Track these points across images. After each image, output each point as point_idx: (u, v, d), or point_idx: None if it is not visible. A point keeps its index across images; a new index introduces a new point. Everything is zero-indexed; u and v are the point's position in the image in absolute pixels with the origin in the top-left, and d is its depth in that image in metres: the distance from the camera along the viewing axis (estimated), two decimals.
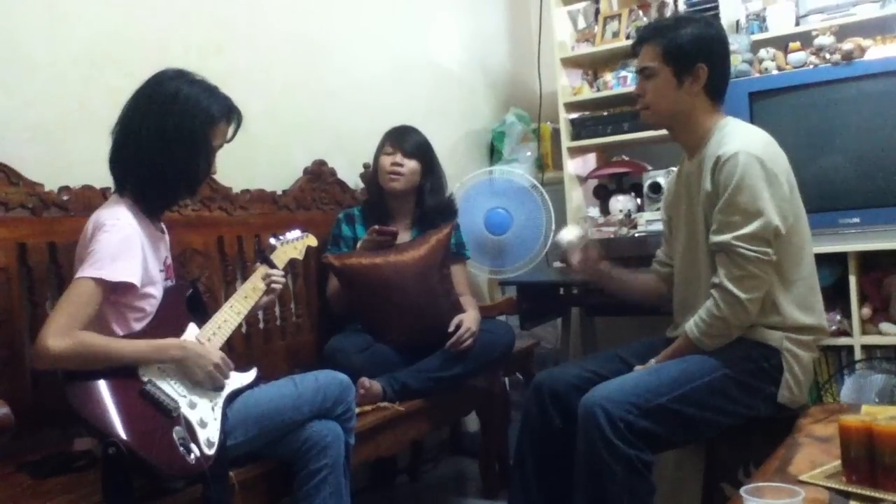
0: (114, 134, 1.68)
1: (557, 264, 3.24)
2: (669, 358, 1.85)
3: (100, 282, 1.52)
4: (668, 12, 3.10)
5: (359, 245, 2.44)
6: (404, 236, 2.49)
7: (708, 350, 1.81)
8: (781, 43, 2.77)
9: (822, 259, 2.29)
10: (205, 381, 1.61)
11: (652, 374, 1.79)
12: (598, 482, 1.66)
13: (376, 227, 2.40)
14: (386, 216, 2.52)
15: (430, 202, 2.53)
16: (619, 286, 2.17)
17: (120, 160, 1.68)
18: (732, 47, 2.73)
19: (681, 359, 1.82)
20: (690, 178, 1.94)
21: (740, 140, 1.80)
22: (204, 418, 1.54)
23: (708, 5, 2.96)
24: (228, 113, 1.73)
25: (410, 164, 2.48)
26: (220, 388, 1.64)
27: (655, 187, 2.93)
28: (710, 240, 1.81)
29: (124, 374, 1.51)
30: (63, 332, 1.46)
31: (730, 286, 1.75)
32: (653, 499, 1.68)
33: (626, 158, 3.26)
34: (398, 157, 2.47)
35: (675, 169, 2.13)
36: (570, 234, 2.10)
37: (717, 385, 1.76)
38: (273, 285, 1.88)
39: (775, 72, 2.70)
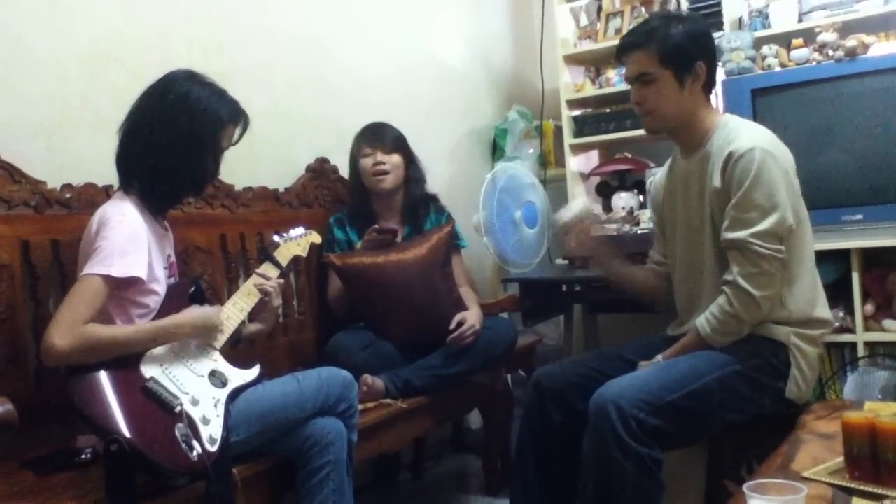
0: (121, 132, 1.69)
1: (559, 261, 3.25)
2: (678, 354, 1.84)
3: (107, 278, 1.54)
4: (671, 8, 3.10)
5: (359, 245, 2.43)
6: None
7: (717, 347, 1.80)
8: (784, 40, 2.77)
9: (825, 256, 2.29)
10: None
11: (661, 371, 1.77)
12: (606, 479, 1.65)
13: (376, 226, 2.40)
14: (372, 219, 2.50)
15: (415, 192, 2.53)
16: (618, 273, 2.15)
17: (127, 158, 1.70)
18: (735, 44, 2.73)
19: (689, 355, 1.81)
20: (689, 176, 1.92)
21: (751, 136, 1.78)
22: (207, 415, 1.54)
23: (711, 2, 2.96)
24: (236, 116, 1.76)
25: (394, 159, 2.47)
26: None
27: None
28: (722, 236, 1.79)
29: (126, 370, 1.52)
30: (69, 330, 1.47)
31: (744, 283, 1.73)
32: (661, 497, 1.67)
33: (629, 155, 3.26)
34: (379, 156, 2.46)
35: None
36: (566, 211, 2.11)
37: (726, 381, 1.75)
38: (264, 289, 1.87)
39: (778, 69, 2.70)
